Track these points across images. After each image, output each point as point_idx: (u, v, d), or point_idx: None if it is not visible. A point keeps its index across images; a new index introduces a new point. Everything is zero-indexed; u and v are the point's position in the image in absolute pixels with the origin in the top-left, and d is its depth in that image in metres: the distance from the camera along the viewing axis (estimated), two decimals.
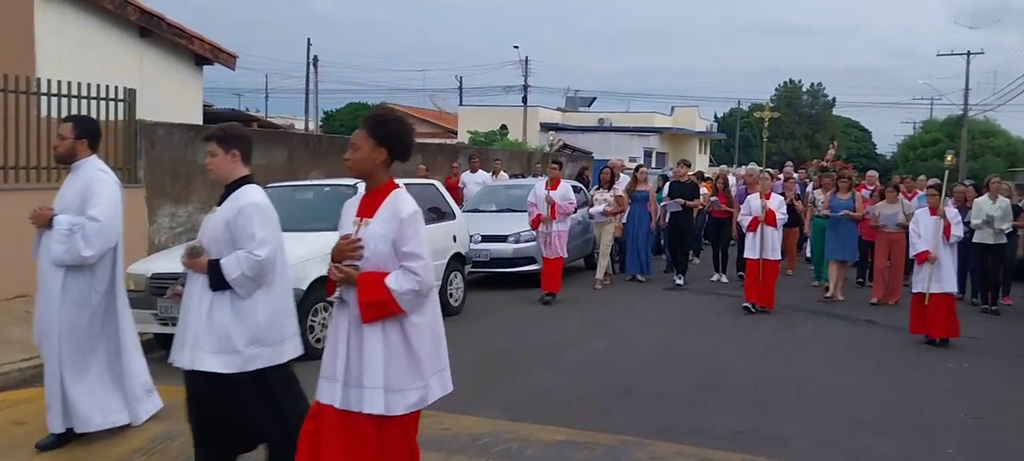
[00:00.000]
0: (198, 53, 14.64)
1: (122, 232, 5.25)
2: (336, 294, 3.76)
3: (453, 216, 11.12)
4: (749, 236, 11.52)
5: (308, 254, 7.60)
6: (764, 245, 11.32)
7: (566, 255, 12.00)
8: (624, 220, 13.84)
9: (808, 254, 15.08)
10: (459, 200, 14.38)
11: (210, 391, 4.26)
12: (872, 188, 13.87)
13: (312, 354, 5.21)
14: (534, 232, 12.20)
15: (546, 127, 45.25)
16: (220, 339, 4.19)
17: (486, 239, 12.84)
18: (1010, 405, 7.42)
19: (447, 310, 10.52)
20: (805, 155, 47.37)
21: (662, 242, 15.63)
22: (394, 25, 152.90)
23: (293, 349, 4.44)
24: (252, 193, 4.34)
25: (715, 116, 64.36)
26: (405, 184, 10.94)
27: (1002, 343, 10.08)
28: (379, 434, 3.67)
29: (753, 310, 11.21)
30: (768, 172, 14.24)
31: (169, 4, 14.79)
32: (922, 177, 16.98)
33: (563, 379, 7.76)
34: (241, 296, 4.21)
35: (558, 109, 50.25)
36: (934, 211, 9.64)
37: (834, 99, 70.74)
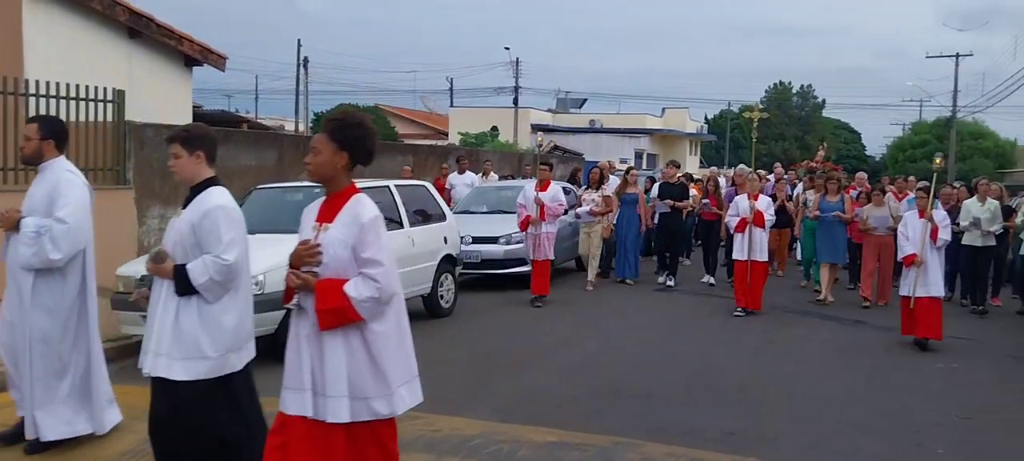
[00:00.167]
0: (187, 54, 14.58)
1: (92, 234, 5.16)
2: (293, 301, 3.66)
3: (444, 217, 11.11)
4: (737, 237, 11.52)
5: None
6: (752, 246, 11.32)
7: (553, 257, 11.97)
8: (614, 222, 13.86)
9: (799, 256, 15.12)
10: (447, 201, 14.36)
11: (174, 398, 4.11)
12: (859, 190, 13.92)
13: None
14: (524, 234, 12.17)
15: (537, 128, 45.27)
16: (188, 345, 4.08)
17: (477, 241, 12.83)
18: (999, 405, 7.45)
19: (438, 312, 10.54)
20: (795, 156, 47.51)
21: (652, 244, 15.64)
22: (385, 26, 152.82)
23: (251, 351, 4.37)
24: (217, 195, 4.23)
25: (705, 118, 64.51)
26: (396, 185, 10.89)
27: (991, 344, 10.12)
28: (349, 444, 3.58)
29: (743, 314, 11.21)
30: (758, 173, 14.28)
31: (158, 5, 14.72)
32: (912, 178, 17.03)
33: (554, 380, 7.76)
34: (208, 301, 4.12)
35: (549, 110, 50.28)
36: (922, 214, 9.68)
37: (824, 101, 70.98)
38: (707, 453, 5.74)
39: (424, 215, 10.61)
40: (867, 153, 70.81)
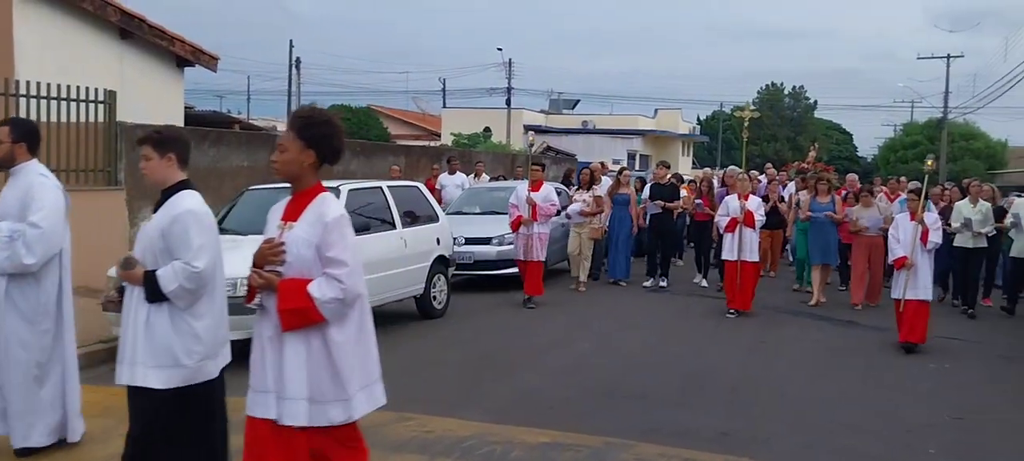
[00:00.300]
0: (179, 54, 14.54)
1: (68, 238, 5.09)
2: (256, 301, 3.60)
3: (436, 218, 11.09)
4: (727, 237, 11.51)
5: None
6: (742, 247, 11.31)
7: (545, 258, 11.95)
8: (607, 223, 13.84)
9: (791, 258, 15.14)
10: (437, 202, 14.34)
11: (150, 407, 4.01)
12: (848, 191, 13.91)
13: None
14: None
15: (529, 129, 45.30)
16: (161, 353, 3.98)
17: (470, 242, 12.83)
18: (990, 406, 7.48)
19: (431, 313, 10.53)
20: (787, 157, 47.63)
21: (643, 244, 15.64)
22: (377, 27, 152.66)
23: (226, 356, 4.27)
24: (188, 199, 4.12)
25: (698, 119, 64.64)
26: (389, 186, 10.88)
27: (982, 344, 10.16)
28: (312, 446, 3.54)
29: (735, 315, 11.22)
30: (751, 174, 14.28)
31: (150, 5, 14.70)
32: (904, 179, 17.08)
33: (547, 381, 7.76)
34: (180, 308, 4.01)
35: (542, 111, 50.30)
36: (914, 216, 9.68)
37: (816, 102, 71.15)
38: (700, 454, 5.75)
39: (417, 216, 10.60)
40: (859, 154, 70.98)
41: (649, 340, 9.90)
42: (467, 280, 13.16)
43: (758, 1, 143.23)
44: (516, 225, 11.77)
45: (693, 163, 51.10)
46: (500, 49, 76.04)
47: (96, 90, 11.18)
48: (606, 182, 14.76)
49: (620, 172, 15.14)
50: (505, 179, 18.44)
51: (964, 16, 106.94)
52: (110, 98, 11.42)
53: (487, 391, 7.33)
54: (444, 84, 53.94)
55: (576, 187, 14.16)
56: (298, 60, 46.45)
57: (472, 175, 17.47)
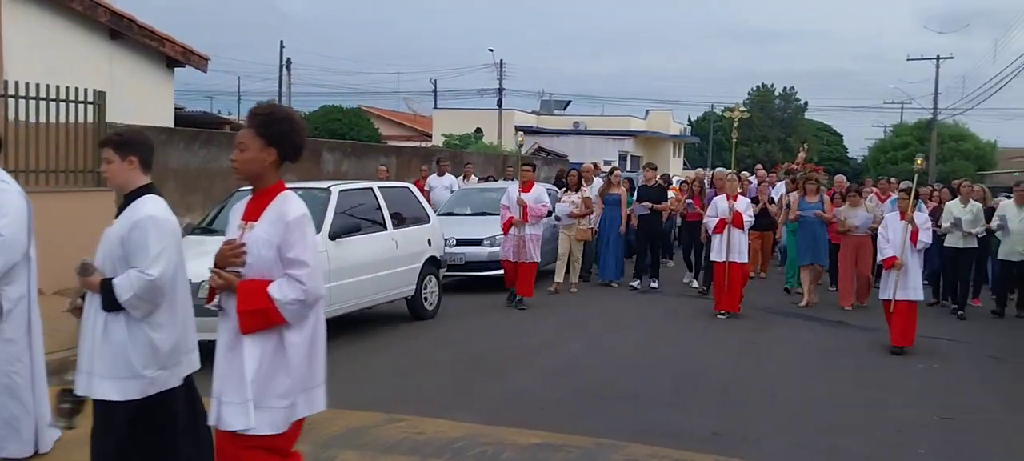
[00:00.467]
0: (169, 55, 14.49)
1: (33, 245, 4.96)
2: (215, 302, 3.52)
3: (427, 219, 11.08)
4: (715, 238, 11.49)
5: None
6: (730, 247, 11.30)
7: (539, 259, 11.95)
8: (597, 225, 13.84)
9: (780, 259, 15.16)
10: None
11: (110, 420, 3.91)
12: (836, 191, 13.90)
13: None
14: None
15: (519, 129, 45.30)
16: (118, 364, 3.86)
17: (461, 243, 12.82)
18: (980, 406, 7.51)
19: (422, 314, 10.52)
20: (777, 158, 47.75)
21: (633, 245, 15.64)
22: (368, 27, 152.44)
23: (192, 363, 4.17)
24: (149, 205, 3.98)
25: (689, 120, 64.73)
26: (379, 187, 10.85)
27: (972, 344, 10.20)
28: (243, 452, 3.43)
29: (726, 316, 11.23)
30: (742, 175, 14.30)
31: (140, 5, 14.64)
32: (895, 179, 17.11)
33: (538, 382, 7.75)
34: (136, 318, 3.89)
35: (533, 112, 50.28)
36: (904, 215, 9.69)
37: (806, 103, 71.31)
38: (691, 454, 5.75)
39: (408, 217, 10.58)
40: (849, 155, 71.22)
41: (640, 340, 9.90)
42: (458, 281, 13.15)
43: (749, 3, 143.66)
44: (507, 226, 11.76)
45: (684, 164, 51.18)
46: (491, 50, 76.30)
47: (85, 91, 11.12)
48: (597, 183, 14.75)
49: (611, 172, 15.12)
50: (495, 180, 18.42)
51: (954, 18, 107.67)
52: (99, 99, 11.35)
53: (478, 392, 7.32)
54: (435, 85, 53.89)
55: (564, 189, 14.15)
56: (289, 60, 46.34)
57: (461, 176, 17.45)
